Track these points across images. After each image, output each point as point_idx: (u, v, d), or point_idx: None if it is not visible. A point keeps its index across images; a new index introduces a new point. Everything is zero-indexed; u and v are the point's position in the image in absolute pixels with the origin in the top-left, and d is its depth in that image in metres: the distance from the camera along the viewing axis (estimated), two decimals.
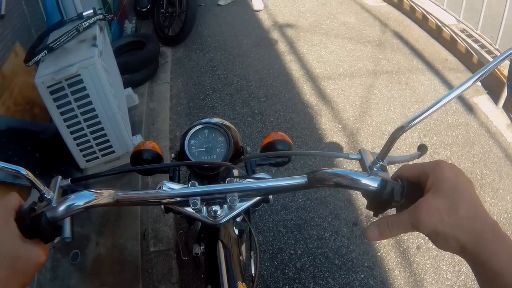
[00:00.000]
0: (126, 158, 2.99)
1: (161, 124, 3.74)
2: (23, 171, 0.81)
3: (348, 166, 3.10)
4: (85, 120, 2.64)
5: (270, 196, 1.33)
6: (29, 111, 3.11)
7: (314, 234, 2.86)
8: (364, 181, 0.83)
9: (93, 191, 0.89)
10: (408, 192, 0.77)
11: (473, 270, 0.69)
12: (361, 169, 0.91)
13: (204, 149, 1.21)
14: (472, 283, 2.60)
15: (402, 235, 2.85)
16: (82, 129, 2.67)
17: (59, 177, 0.94)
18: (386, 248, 2.80)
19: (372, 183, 0.83)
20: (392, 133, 0.80)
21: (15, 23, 3.21)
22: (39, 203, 0.85)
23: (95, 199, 0.88)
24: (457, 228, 0.67)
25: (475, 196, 0.70)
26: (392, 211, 0.83)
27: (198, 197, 0.98)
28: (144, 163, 1.27)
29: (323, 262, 2.72)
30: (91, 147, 2.78)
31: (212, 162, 1.11)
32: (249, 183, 0.98)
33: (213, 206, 1.06)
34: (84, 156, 2.81)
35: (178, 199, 1.02)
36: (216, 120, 1.26)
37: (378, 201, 0.82)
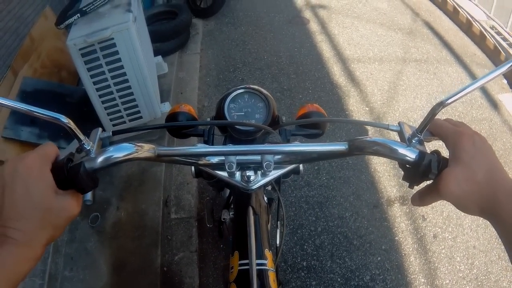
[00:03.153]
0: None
1: (189, 93, 3.73)
2: (64, 119, 0.80)
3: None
4: (115, 84, 2.63)
5: (301, 168, 1.33)
6: (56, 74, 3.11)
7: (335, 212, 2.87)
8: (402, 151, 0.84)
9: (134, 144, 0.89)
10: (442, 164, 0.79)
11: (496, 230, 0.74)
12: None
13: (243, 113, 1.20)
14: (484, 277, 2.61)
15: (420, 222, 2.86)
16: (111, 92, 2.66)
17: (100, 129, 0.93)
18: (404, 234, 2.80)
19: (410, 154, 0.83)
20: (432, 107, 0.80)
21: None
22: (77, 154, 0.85)
23: (135, 152, 0.88)
24: (475, 194, 0.73)
25: (493, 161, 0.75)
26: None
27: (234, 161, 0.98)
28: (180, 127, 1.26)
29: (341, 241, 2.72)
30: (119, 111, 2.78)
31: (252, 124, 1.10)
32: (288, 145, 0.97)
33: (247, 171, 1.05)
34: (111, 120, 2.81)
35: (215, 161, 1.02)
36: (253, 85, 1.26)
37: (415, 172, 0.83)
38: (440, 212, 2.93)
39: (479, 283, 2.60)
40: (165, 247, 2.55)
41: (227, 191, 1.71)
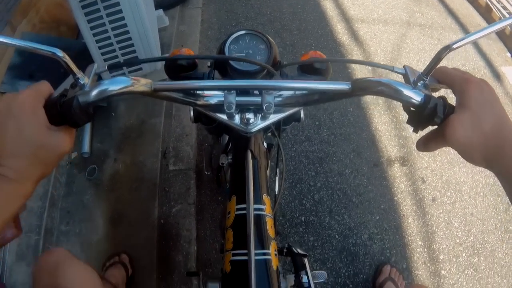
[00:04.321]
0: (154, 76, 2.94)
1: (190, 46, 3.62)
2: (60, 52, 0.78)
3: None
4: (116, 35, 2.57)
5: (302, 114, 1.31)
6: (55, 29, 3.06)
7: (335, 168, 2.86)
8: (408, 93, 0.82)
9: (130, 77, 0.86)
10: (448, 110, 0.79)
11: (500, 182, 0.75)
12: None
13: (244, 55, 1.16)
14: (480, 246, 2.63)
15: (419, 184, 2.86)
16: (111, 44, 2.61)
17: (95, 64, 0.91)
18: (403, 194, 2.80)
19: (416, 97, 0.82)
20: (438, 51, 0.78)
21: None
22: (71, 89, 0.84)
23: (131, 85, 0.86)
24: (481, 143, 0.74)
25: (500, 112, 0.75)
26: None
27: (234, 101, 0.96)
28: (179, 70, 1.23)
29: (341, 198, 2.72)
30: (119, 62, 2.72)
31: (254, 61, 1.06)
32: (289, 82, 0.94)
33: (246, 113, 1.03)
34: (111, 73, 2.76)
35: (214, 102, 1.00)
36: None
37: (420, 116, 0.81)
38: (440, 175, 2.92)
39: (475, 251, 2.62)
40: (162, 199, 2.54)
41: (226, 137, 1.69)
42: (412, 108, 0.84)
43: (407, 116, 0.87)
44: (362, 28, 4.15)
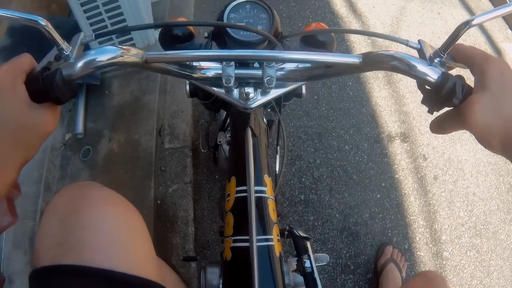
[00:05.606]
0: (147, 51, 2.89)
1: None
2: (42, 21, 0.72)
3: None
4: (106, 11, 2.47)
5: (304, 90, 1.24)
6: (46, 8, 2.99)
7: (334, 144, 2.80)
8: (424, 69, 0.76)
9: (119, 47, 0.79)
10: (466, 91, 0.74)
11: None
12: None
13: (244, 23, 1.09)
14: (482, 227, 2.61)
15: (420, 161, 2.82)
16: (103, 20, 2.50)
17: (82, 33, 0.83)
18: (404, 172, 2.75)
19: (432, 74, 0.76)
20: (457, 26, 0.74)
21: None
22: (55, 62, 0.76)
23: (120, 56, 0.78)
24: (500, 128, 0.69)
25: None
26: None
27: (233, 74, 0.90)
28: (175, 41, 1.16)
29: (341, 175, 2.67)
30: (111, 39, 2.65)
31: (255, 30, 0.99)
32: (297, 53, 0.86)
33: (246, 88, 0.96)
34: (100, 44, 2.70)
35: (211, 74, 0.93)
36: None
37: (436, 96, 0.76)
38: (441, 153, 2.87)
39: (478, 232, 2.59)
40: (158, 178, 2.48)
41: (224, 114, 1.63)
42: (427, 87, 0.79)
43: (422, 96, 0.82)
44: (361, 0, 4.08)
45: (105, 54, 0.77)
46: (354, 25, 3.73)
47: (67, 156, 2.54)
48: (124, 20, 2.56)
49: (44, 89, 0.71)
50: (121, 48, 0.79)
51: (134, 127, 2.62)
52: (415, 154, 2.84)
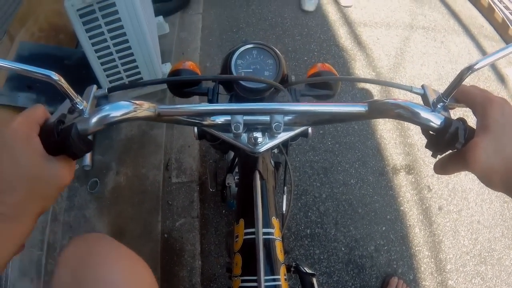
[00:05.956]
0: (155, 86, 2.92)
1: (191, 54, 3.63)
2: (55, 76, 0.74)
3: None
4: (115, 44, 2.54)
5: (310, 130, 1.27)
6: (54, 38, 3.04)
7: (340, 179, 2.82)
8: (427, 116, 0.79)
9: (132, 102, 0.81)
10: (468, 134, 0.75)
11: None
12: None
13: (251, 70, 1.11)
14: (487, 254, 2.61)
15: (425, 193, 2.83)
16: (110, 54, 2.57)
17: (94, 86, 0.86)
18: (409, 204, 2.77)
19: (435, 120, 0.78)
20: (460, 71, 0.74)
21: None
22: (69, 115, 0.78)
23: (134, 111, 0.81)
24: (502, 168, 0.70)
25: None
26: None
27: (241, 121, 0.92)
28: (182, 84, 1.19)
29: (346, 209, 2.68)
30: (119, 72, 2.69)
31: (262, 79, 1.01)
32: (302, 105, 0.89)
33: (254, 133, 0.99)
34: (110, 82, 2.72)
35: (220, 121, 0.95)
36: (264, 43, 1.18)
37: (439, 140, 0.77)
38: (446, 183, 2.88)
39: (482, 259, 2.59)
40: (165, 212, 2.50)
41: (231, 154, 1.65)
42: (431, 132, 0.81)
43: (426, 140, 0.83)
44: (365, 32, 4.13)
45: (119, 110, 0.79)
46: (359, 57, 3.78)
47: (74, 187, 2.55)
48: (134, 59, 2.61)
49: (60, 143, 0.72)
50: (134, 103, 0.81)
51: (142, 161, 2.65)
52: (420, 185, 2.86)
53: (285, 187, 1.52)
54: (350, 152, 2.97)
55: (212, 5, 4.42)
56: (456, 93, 0.78)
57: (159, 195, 2.52)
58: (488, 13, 4.57)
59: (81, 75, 2.80)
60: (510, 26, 4.15)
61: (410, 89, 0.88)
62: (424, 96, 0.85)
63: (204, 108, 0.87)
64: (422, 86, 0.86)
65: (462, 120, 0.76)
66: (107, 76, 2.67)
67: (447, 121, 0.76)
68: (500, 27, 4.38)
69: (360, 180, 2.83)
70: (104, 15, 2.40)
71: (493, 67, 3.87)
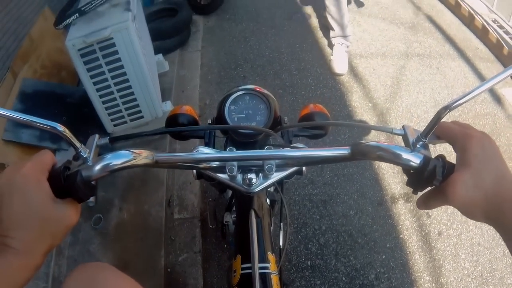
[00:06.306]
0: (155, 123, 2.98)
1: (191, 91, 3.71)
2: (60, 127, 0.80)
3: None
4: (116, 84, 2.61)
5: (304, 169, 1.32)
6: (56, 75, 3.11)
7: (339, 210, 2.86)
8: (407, 156, 0.83)
9: (131, 151, 0.88)
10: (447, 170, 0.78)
11: (501, 235, 0.73)
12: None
13: (244, 115, 1.18)
14: (488, 274, 2.60)
15: (424, 219, 2.85)
16: (111, 93, 2.65)
17: (97, 136, 0.93)
18: (408, 231, 2.79)
19: (414, 160, 0.82)
20: (437, 111, 0.79)
21: None
22: (74, 161, 0.85)
23: (133, 159, 0.87)
24: (482, 200, 0.73)
25: (501, 167, 0.75)
26: None
27: (235, 163, 0.98)
28: (181, 127, 1.25)
29: (346, 239, 2.71)
30: (120, 111, 2.77)
31: (252, 127, 1.08)
32: (290, 151, 0.97)
33: (248, 174, 1.04)
34: (112, 120, 2.80)
35: (215, 164, 1.01)
36: (254, 86, 1.24)
37: (419, 178, 0.82)
38: (445, 209, 2.91)
39: (484, 280, 2.59)
40: (168, 248, 2.54)
41: (230, 192, 1.70)
42: (411, 171, 0.85)
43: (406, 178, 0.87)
44: (361, 63, 4.20)
45: (119, 159, 0.86)
46: (356, 89, 3.85)
47: (78, 223, 2.57)
48: (132, 93, 2.69)
49: (66, 188, 0.79)
50: (134, 152, 0.88)
51: (144, 198, 2.69)
52: (418, 212, 2.88)
53: (282, 223, 1.57)
54: (348, 184, 3.01)
55: (210, 42, 4.50)
56: (437, 130, 0.83)
57: (161, 230, 2.56)
58: (482, 34, 4.64)
59: (83, 113, 2.87)
60: (505, 45, 4.21)
61: (391, 131, 0.94)
62: (405, 137, 0.90)
63: (198, 156, 0.94)
64: (403, 127, 0.92)
65: (441, 157, 0.80)
66: (109, 114, 2.74)
67: (426, 160, 0.81)
68: (494, 48, 4.44)
69: (359, 211, 2.86)
70: (105, 55, 2.48)
71: (489, 89, 3.88)
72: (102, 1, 2.65)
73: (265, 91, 1.23)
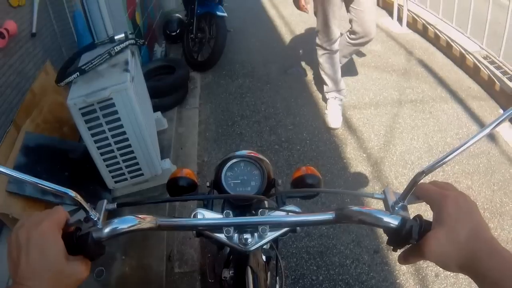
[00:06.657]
0: (155, 181, 3.07)
1: (189, 149, 3.82)
2: (71, 193, 0.88)
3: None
4: (116, 142, 2.71)
5: (298, 228, 1.40)
6: (58, 130, 3.18)
7: (336, 261, 2.90)
8: (386, 219, 0.91)
9: (136, 216, 0.98)
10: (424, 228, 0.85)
11: (476, 283, 0.78)
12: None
13: (239, 181, 1.28)
14: None
15: (421, 263, 2.86)
16: (112, 151, 2.74)
17: (105, 201, 1.02)
18: (405, 276, 2.82)
19: (393, 221, 0.90)
20: (413, 176, 0.87)
21: (45, 42, 3.33)
22: (85, 223, 0.92)
23: (138, 224, 0.97)
24: (455, 253, 0.78)
25: (476, 220, 0.80)
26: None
27: (232, 227, 1.06)
28: (180, 190, 1.34)
29: None
30: (120, 168, 2.86)
31: (246, 195, 1.18)
32: (279, 217, 1.07)
33: (244, 234, 1.11)
34: (113, 177, 2.89)
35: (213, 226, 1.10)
36: (248, 152, 1.34)
37: (397, 238, 0.89)
38: None
39: None
40: None
41: (228, 249, 1.77)
42: (391, 231, 0.92)
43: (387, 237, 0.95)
44: (355, 114, 4.30)
45: (126, 224, 0.96)
46: (350, 141, 3.95)
47: None
48: (132, 152, 2.79)
49: (78, 247, 0.88)
50: (139, 217, 0.98)
51: (145, 252, 2.75)
52: None
53: (277, 277, 1.64)
54: (344, 235, 3.06)
55: (207, 99, 4.61)
56: (416, 190, 0.90)
57: (162, 284, 2.61)
58: (474, 73, 4.76)
59: (85, 169, 2.94)
60: (497, 81, 4.30)
61: (372, 196, 1.02)
62: (385, 200, 0.98)
63: (197, 222, 1.04)
64: (383, 191, 0.99)
65: (418, 217, 0.88)
66: (110, 171, 2.82)
67: (403, 221, 0.88)
68: (486, 85, 4.54)
69: (355, 260, 2.90)
70: (105, 115, 2.59)
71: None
72: (102, 60, 2.76)
73: (259, 156, 1.32)
